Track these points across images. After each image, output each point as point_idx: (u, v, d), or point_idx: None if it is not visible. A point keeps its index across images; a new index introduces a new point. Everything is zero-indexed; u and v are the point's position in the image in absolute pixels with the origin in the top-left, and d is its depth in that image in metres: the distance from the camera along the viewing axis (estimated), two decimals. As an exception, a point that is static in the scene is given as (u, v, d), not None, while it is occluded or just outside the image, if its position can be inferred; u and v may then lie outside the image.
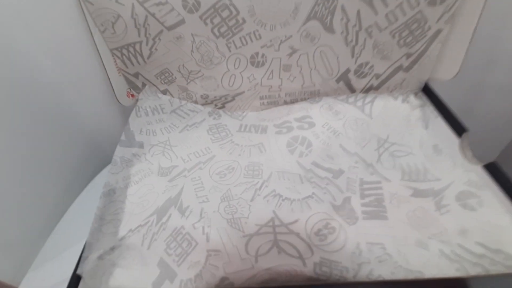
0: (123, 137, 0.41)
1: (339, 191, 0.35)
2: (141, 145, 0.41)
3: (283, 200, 0.34)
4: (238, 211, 0.33)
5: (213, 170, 0.39)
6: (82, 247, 0.32)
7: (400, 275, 0.27)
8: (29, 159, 0.40)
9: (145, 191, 0.36)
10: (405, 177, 0.36)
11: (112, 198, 0.35)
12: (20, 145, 0.39)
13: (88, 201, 0.46)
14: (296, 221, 0.32)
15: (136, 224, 0.33)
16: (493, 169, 0.33)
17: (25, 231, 0.38)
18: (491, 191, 0.32)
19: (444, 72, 0.42)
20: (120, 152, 0.39)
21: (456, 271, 0.27)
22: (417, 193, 0.34)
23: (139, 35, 0.39)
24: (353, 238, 0.30)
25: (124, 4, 0.36)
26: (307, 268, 0.28)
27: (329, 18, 0.38)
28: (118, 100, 0.44)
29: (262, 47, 0.41)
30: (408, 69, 0.42)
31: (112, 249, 0.31)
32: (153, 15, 0.37)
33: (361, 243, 0.30)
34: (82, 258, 0.30)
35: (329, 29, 0.39)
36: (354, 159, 0.38)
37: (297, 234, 0.31)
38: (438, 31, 0.38)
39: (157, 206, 0.34)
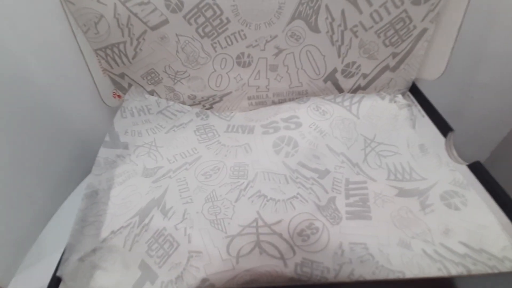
0: (107, 138, 0.40)
1: (324, 191, 0.35)
2: (125, 146, 0.41)
3: (267, 200, 0.34)
4: (221, 212, 0.33)
5: (198, 170, 0.38)
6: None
7: (381, 275, 0.27)
8: (15, 161, 0.40)
9: (129, 192, 0.36)
10: (391, 176, 0.36)
11: (95, 200, 0.35)
12: (5, 146, 0.39)
13: (77, 203, 0.46)
14: (279, 221, 0.31)
15: (118, 225, 0.32)
16: (477, 169, 0.33)
17: (12, 234, 0.38)
18: (475, 190, 0.32)
19: (431, 71, 0.41)
20: (103, 153, 0.39)
21: (438, 271, 0.27)
22: (402, 193, 0.34)
23: (123, 35, 0.39)
24: (336, 238, 0.30)
25: (106, 4, 0.36)
26: (288, 269, 0.28)
27: (313, 17, 0.38)
28: (103, 101, 0.43)
29: (247, 47, 0.41)
30: (395, 68, 0.42)
31: (94, 251, 0.31)
32: (135, 14, 0.37)
33: (344, 243, 0.29)
34: (62, 260, 0.30)
35: (314, 28, 0.39)
36: (340, 159, 0.38)
37: (280, 235, 0.30)
38: (424, 30, 0.38)
39: (140, 207, 0.34)
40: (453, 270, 0.27)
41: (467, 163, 0.35)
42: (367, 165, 0.38)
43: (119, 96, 0.46)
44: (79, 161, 0.54)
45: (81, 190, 0.48)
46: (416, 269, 0.27)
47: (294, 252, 0.29)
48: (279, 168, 0.38)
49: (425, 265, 0.27)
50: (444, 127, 0.38)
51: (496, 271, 0.26)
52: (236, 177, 0.37)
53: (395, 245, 0.29)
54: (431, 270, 0.27)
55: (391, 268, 0.27)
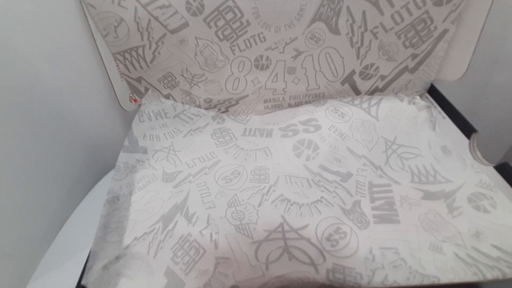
0: (126, 143, 0.40)
1: (348, 194, 0.34)
2: (144, 151, 0.40)
3: (291, 204, 0.33)
4: (246, 217, 0.32)
5: (218, 175, 0.38)
6: (84, 256, 0.30)
7: (416, 281, 0.26)
8: (29, 166, 0.40)
9: (150, 197, 0.35)
10: (415, 179, 0.35)
11: (116, 206, 0.34)
12: (19, 152, 0.38)
13: (90, 208, 0.45)
14: (306, 226, 0.31)
15: (142, 232, 0.32)
16: (504, 170, 0.33)
17: (25, 241, 0.37)
18: (503, 192, 0.32)
19: (451, 72, 0.41)
20: (123, 158, 0.38)
21: (474, 275, 0.26)
22: (428, 196, 0.33)
23: (142, 39, 0.39)
24: (366, 243, 0.29)
25: (127, 8, 0.36)
26: (320, 275, 0.27)
27: (334, 19, 0.38)
28: (121, 105, 0.43)
29: (266, 49, 0.40)
30: (414, 70, 0.42)
31: (117, 258, 0.30)
32: (156, 18, 0.37)
33: (374, 248, 0.29)
34: (86, 269, 0.29)
35: (335, 30, 0.39)
36: (362, 161, 0.37)
37: (308, 240, 0.30)
38: (445, 31, 0.38)
39: (163, 213, 0.33)
40: (489, 274, 0.26)
41: (493, 164, 0.34)
42: (389, 167, 0.37)
43: (135, 100, 0.46)
44: (90, 166, 0.54)
45: (92, 195, 0.48)
46: (451, 273, 0.27)
47: (324, 258, 0.28)
48: (300, 172, 0.37)
49: (459, 270, 0.27)
50: (467, 128, 0.38)
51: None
52: (257, 181, 0.37)
53: (426, 249, 0.29)
54: (467, 275, 0.26)
55: (425, 273, 0.27)
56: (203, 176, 0.38)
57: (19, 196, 0.37)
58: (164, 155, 0.40)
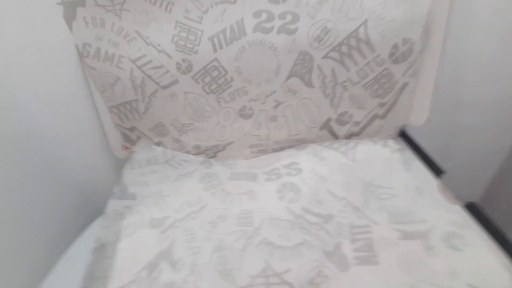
0: (116, 190, 0.42)
1: (329, 236, 0.36)
2: (133, 197, 0.42)
3: (275, 248, 0.34)
4: (230, 262, 0.33)
5: (205, 219, 0.39)
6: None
7: (395, 324, 0.27)
8: (16, 210, 0.40)
9: (137, 244, 0.36)
10: (392, 219, 0.37)
11: (102, 254, 0.34)
12: (5, 198, 0.39)
13: (77, 256, 0.45)
14: (288, 270, 0.32)
15: (127, 280, 0.32)
16: (473, 209, 0.35)
17: (8, 289, 0.37)
18: (474, 231, 0.34)
19: (416, 118, 0.46)
20: (112, 205, 0.40)
21: (450, 316, 0.27)
22: (405, 236, 0.35)
23: (136, 94, 0.43)
24: (347, 286, 0.30)
25: (124, 68, 0.40)
26: (302, 321, 0.27)
27: (307, 75, 0.42)
28: (113, 154, 0.45)
29: (249, 101, 0.45)
30: (383, 116, 0.46)
31: (100, 310, 0.30)
32: (149, 76, 0.41)
33: (355, 290, 0.30)
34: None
35: (309, 84, 0.43)
36: (342, 203, 0.39)
37: (290, 285, 0.30)
38: (405, 84, 0.43)
39: (148, 259, 0.34)
40: (465, 315, 0.27)
41: (463, 204, 0.36)
42: (368, 208, 0.39)
43: (127, 147, 0.48)
44: (80, 212, 0.54)
45: (80, 242, 0.48)
46: (429, 315, 0.27)
47: (306, 303, 0.29)
48: (284, 214, 0.39)
49: (437, 311, 0.27)
50: (436, 169, 0.41)
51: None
52: (242, 225, 0.38)
53: (405, 290, 0.29)
54: (444, 316, 0.27)
55: (404, 315, 0.27)
56: (190, 221, 0.39)
57: (3, 242, 0.37)
58: (153, 200, 0.42)
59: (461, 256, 0.32)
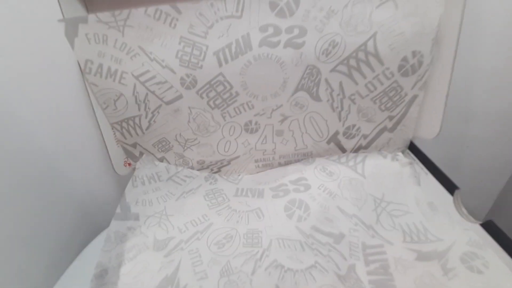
0: (118, 210, 0.40)
1: (342, 258, 0.34)
2: (136, 217, 0.40)
3: (285, 271, 0.33)
4: (239, 287, 0.31)
5: (211, 240, 0.38)
6: None
7: None
8: (14, 226, 0.39)
9: (140, 269, 0.34)
10: (407, 238, 0.36)
11: (104, 280, 0.33)
12: (3, 211, 0.38)
13: (77, 274, 0.43)
14: (301, 296, 0.30)
15: (129, 309, 0.30)
16: (490, 228, 0.34)
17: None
18: (493, 250, 0.32)
19: (427, 131, 0.44)
20: (114, 226, 0.38)
21: None
22: (422, 256, 0.33)
23: (139, 110, 0.41)
24: (363, 314, 0.28)
25: (127, 85, 0.39)
26: None
27: (315, 89, 0.42)
28: (115, 171, 0.44)
29: (255, 115, 0.43)
30: (392, 129, 0.45)
31: None
32: (153, 92, 0.40)
33: (372, 319, 0.28)
34: None
35: (316, 98, 0.42)
36: (353, 221, 0.38)
37: (303, 312, 0.29)
38: (414, 96, 0.42)
39: (153, 286, 0.32)
40: None
41: (480, 222, 0.35)
42: (381, 226, 0.38)
43: (129, 164, 0.47)
44: (79, 229, 0.53)
45: (80, 260, 0.46)
46: None
47: (321, 333, 0.27)
48: (293, 234, 0.37)
49: None
50: (449, 185, 0.39)
51: None
52: (250, 246, 0.36)
53: (425, 318, 0.28)
54: None
55: None
56: (195, 242, 0.37)
57: (1, 258, 0.35)
58: (156, 220, 0.40)
59: (482, 279, 0.30)
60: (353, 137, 0.46)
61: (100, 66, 0.38)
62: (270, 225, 0.39)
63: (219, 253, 0.36)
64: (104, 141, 0.42)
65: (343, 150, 0.48)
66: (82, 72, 0.38)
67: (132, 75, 0.39)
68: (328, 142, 0.47)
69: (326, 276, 0.32)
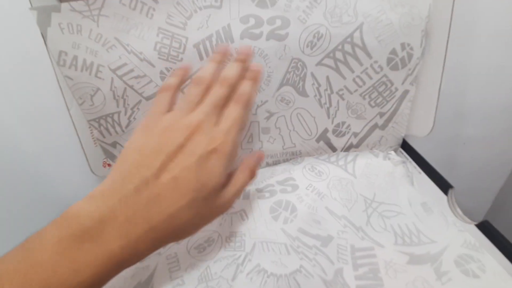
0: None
1: (329, 262, 0.32)
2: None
3: (268, 276, 0.30)
4: (217, 295, 0.29)
5: (191, 243, 0.35)
6: None
7: None
8: None
9: (111, 275, 0.32)
10: (399, 240, 0.33)
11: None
12: None
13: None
14: (283, 303, 0.28)
15: (96, 319, 0.28)
16: (486, 228, 0.32)
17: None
18: (489, 253, 0.30)
19: (419, 129, 0.43)
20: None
21: None
22: (414, 260, 0.31)
23: (117, 106, 0.39)
24: (350, 322, 0.26)
25: (104, 78, 0.37)
26: None
27: (301, 83, 0.40)
28: (92, 172, 0.42)
29: (240, 112, 0.41)
30: (383, 127, 0.43)
31: None
32: (131, 87, 0.38)
33: (359, 328, 0.26)
34: None
35: (302, 93, 0.41)
36: (342, 222, 0.36)
37: (285, 322, 0.26)
38: (406, 92, 0.40)
39: (123, 294, 0.29)
40: None
41: (475, 222, 0.33)
42: (371, 228, 0.35)
43: (109, 165, 0.45)
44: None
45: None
46: None
47: None
48: (278, 237, 0.35)
49: None
50: (443, 184, 0.37)
51: None
52: (232, 249, 0.34)
53: (417, 327, 0.25)
54: None
55: None
56: (174, 246, 0.35)
57: None
58: (134, 223, 0.38)
59: (478, 284, 0.28)
60: (343, 135, 0.44)
61: (75, 58, 0.36)
62: (254, 227, 0.36)
63: (199, 257, 0.33)
64: (80, 140, 0.40)
65: (334, 149, 0.46)
66: (56, 64, 0.36)
67: (109, 68, 0.37)
68: (318, 141, 0.45)
69: (311, 281, 0.29)
